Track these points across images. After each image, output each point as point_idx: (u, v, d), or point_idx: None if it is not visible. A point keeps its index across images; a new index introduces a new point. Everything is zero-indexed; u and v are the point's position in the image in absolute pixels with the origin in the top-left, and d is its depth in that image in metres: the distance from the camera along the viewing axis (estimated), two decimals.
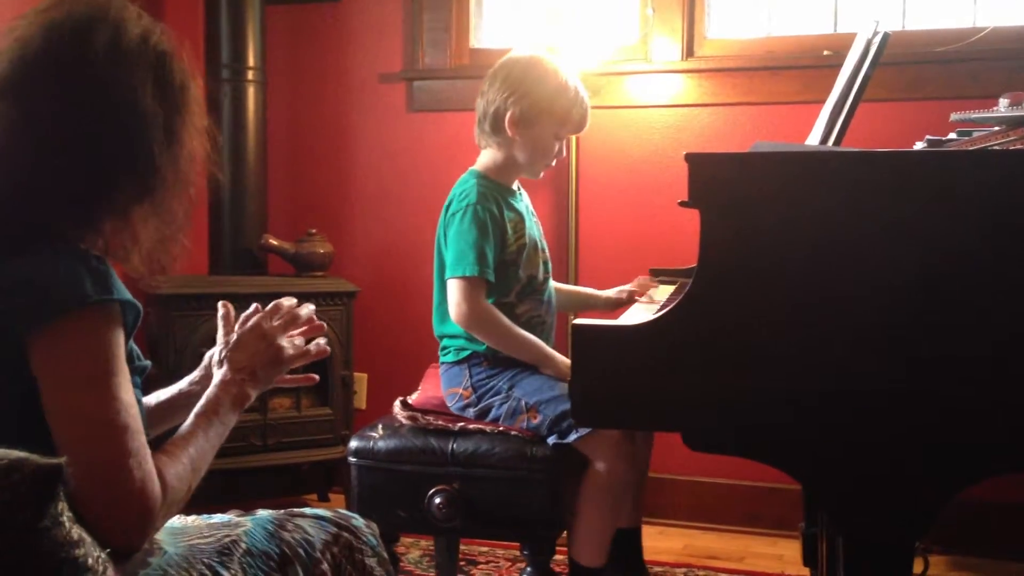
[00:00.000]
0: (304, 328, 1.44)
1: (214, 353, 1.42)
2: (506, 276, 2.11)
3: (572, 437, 1.94)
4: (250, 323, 1.41)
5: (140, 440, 1.15)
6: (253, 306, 1.43)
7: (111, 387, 1.13)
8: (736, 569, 2.73)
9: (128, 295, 1.19)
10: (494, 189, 2.14)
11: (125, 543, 1.09)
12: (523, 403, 2.02)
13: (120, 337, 1.17)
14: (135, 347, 1.28)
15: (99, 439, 1.11)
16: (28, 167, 1.18)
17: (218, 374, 1.37)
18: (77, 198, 1.19)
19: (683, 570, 2.71)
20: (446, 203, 2.16)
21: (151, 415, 1.43)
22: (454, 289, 2.06)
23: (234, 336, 1.40)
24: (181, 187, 1.27)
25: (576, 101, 2.14)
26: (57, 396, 1.13)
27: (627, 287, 2.42)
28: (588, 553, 2.02)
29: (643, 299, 2.33)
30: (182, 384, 1.48)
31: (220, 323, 1.44)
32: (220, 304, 1.46)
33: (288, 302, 1.45)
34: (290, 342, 1.41)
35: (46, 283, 1.13)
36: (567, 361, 1.83)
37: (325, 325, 1.49)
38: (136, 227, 1.24)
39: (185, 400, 1.43)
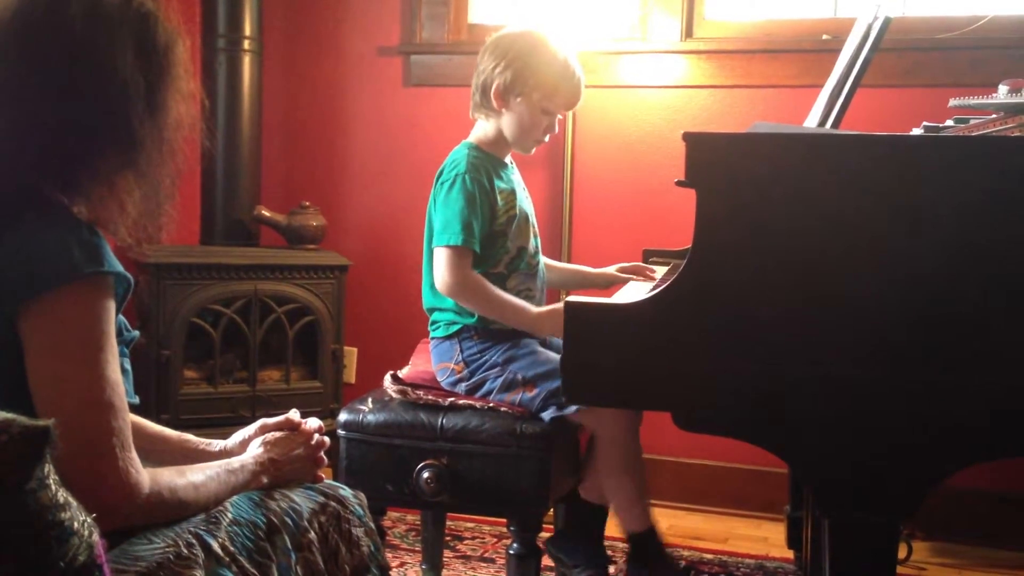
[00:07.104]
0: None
1: (247, 434, 1.47)
2: (495, 246, 2.10)
3: (571, 409, 1.93)
4: (304, 438, 1.47)
5: (124, 419, 1.14)
6: (295, 411, 1.52)
7: (99, 363, 1.13)
8: (720, 550, 2.74)
9: (119, 267, 1.18)
10: (485, 160, 2.13)
11: (101, 521, 1.09)
12: (520, 376, 2.02)
13: (111, 310, 1.16)
14: (123, 319, 1.27)
15: (83, 416, 1.11)
16: (6, 134, 1.16)
17: (254, 452, 1.40)
18: (57, 167, 1.17)
19: (667, 550, 2.71)
20: (437, 173, 2.16)
21: (170, 447, 1.45)
22: (440, 258, 2.06)
23: (284, 435, 1.45)
24: (166, 156, 1.24)
25: (566, 75, 2.12)
26: (43, 370, 1.12)
27: (625, 264, 2.42)
28: (633, 520, 2.05)
29: (637, 278, 2.32)
30: (212, 445, 1.48)
31: (282, 418, 1.49)
32: (294, 411, 1.53)
33: (314, 424, 1.51)
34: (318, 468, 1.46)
35: (35, 256, 1.12)
36: (557, 308, 1.85)
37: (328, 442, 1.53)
38: (121, 197, 1.22)
39: (197, 456, 1.43)
